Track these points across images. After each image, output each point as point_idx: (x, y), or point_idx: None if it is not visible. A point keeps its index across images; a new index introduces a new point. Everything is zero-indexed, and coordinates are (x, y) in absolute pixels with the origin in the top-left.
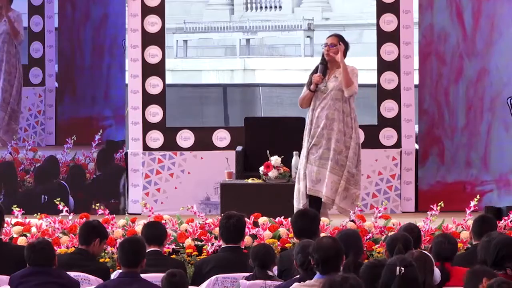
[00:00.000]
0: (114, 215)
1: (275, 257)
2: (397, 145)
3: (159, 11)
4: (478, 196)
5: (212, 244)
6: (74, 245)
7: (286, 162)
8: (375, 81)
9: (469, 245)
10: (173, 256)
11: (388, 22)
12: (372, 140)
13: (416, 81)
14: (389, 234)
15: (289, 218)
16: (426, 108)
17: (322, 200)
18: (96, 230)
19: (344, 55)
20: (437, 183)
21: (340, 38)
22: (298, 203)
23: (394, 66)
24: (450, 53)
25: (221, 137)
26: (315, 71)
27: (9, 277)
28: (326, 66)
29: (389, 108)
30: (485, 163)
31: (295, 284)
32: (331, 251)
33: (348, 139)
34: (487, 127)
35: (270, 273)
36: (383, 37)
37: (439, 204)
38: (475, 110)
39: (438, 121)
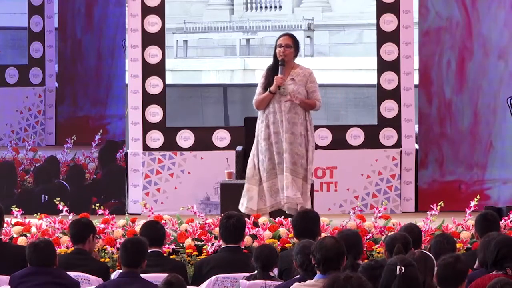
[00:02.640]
0: (114, 215)
1: (277, 259)
2: (397, 145)
3: (159, 11)
4: (478, 196)
5: (212, 244)
6: None
7: None
8: (375, 81)
9: (469, 245)
10: (173, 256)
11: (388, 22)
12: (372, 140)
13: (416, 81)
14: (389, 234)
15: (289, 218)
16: (426, 108)
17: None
18: (89, 227)
19: (295, 56)
20: (437, 183)
21: (293, 39)
22: (261, 203)
23: (394, 66)
24: (450, 53)
25: (221, 137)
26: (271, 72)
27: (9, 277)
28: (284, 67)
29: (389, 108)
30: (485, 163)
31: (295, 284)
32: (333, 251)
33: (307, 142)
34: (487, 127)
35: (271, 274)
36: (383, 37)
37: (439, 204)
38: (475, 110)
39: (438, 121)
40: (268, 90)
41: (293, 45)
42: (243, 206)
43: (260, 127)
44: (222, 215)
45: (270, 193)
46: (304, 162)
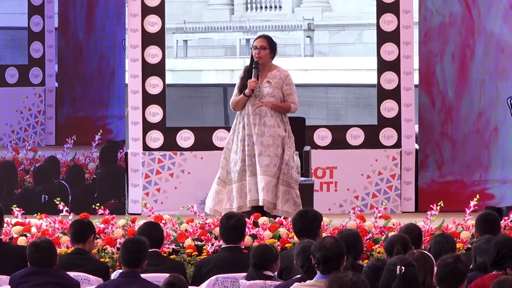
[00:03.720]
0: (114, 215)
1: (275, 257)
2: (397, 145)
3: (159, 11)
4: (478, 196)
5: (212, 244)
6: None
7: None
8: (375, 81)
9: (469, 245)
10: (173, 256)
11: (388, 22)
12: (372, 140)
13: (416, 81)
14: (389, 234)
15: (289, 218)
16: (426, 108)
17: (263, 205)
18: (89, 227)
19: (272, 57)
20: (437, 183)
21: (268, 40)
22: (230, 204)
23: (394, 66)
24: (450, 53)
25: (221, 137)
26: (247, 74)
27: (9, 277)
28: (258, 70)
29: (389, 108)
30: (485, 163)
31: (295, 284)
32: (332, 251)
33: (283, 141)
34: (487, 127)
35: (269, 273)
36: (383, 37)
37: (439, 204)
38: (475, 110)
39: (438, 121)
40: (243, 93)
41: (269, 46)
42: (207, 207)
43: (237, 128)
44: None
45: (240, 194)
46: (279, 162)
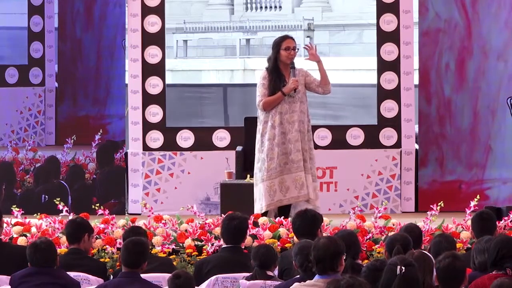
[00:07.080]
0: (114, 215)
1: (276, 258)
2: (397, 145)
3: (159, 11)
4: (478, 196)
5: (212, 244)
6: None
7: None
8: (375, 81)
9: (469, 245)
10: (173, 256)
11: (388, 22)
12: (372, 140)
13: (416, 81)
14: (389, 234)
15: (289, 218)
16: (426, 108)
17: (308, 200)
18: (82, 226)
19: None
20: (437, 183)
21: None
22: (268, 200)
23: (394, 66)
24: (450, 53)
25: (221, 137)
26: (274, 74)
27: (9, 277)
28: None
29: (389, 108)
30: (485, 163)
31: (295, 284)
32: (325, 251)
33: (311, 137)
34: (487, 127)
35: (270, 273)
36: (383, 37)
37: (439, 204)
38: (475, 110)
39: (438, 121)
40: (281, 92)
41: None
42: (262, 208)
43: (265, 128)
44: (222, 215)
45: (269, 192)
46: (308, 156)
